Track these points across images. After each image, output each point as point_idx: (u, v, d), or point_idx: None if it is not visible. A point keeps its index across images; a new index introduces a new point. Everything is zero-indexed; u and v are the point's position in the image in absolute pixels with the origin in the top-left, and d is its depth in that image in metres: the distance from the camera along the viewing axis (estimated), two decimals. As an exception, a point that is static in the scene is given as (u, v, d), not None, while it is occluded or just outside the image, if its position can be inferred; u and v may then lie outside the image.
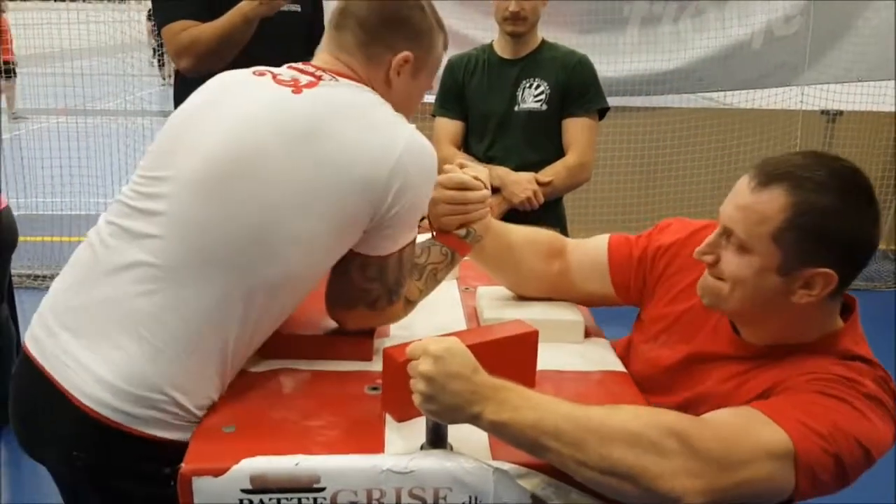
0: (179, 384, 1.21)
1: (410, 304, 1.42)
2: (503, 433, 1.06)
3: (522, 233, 1.61)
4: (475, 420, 1.06)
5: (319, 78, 1.31)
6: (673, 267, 1.44)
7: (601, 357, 1.50)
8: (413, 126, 1.31)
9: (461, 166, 1.46)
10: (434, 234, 1.47)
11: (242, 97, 1.30)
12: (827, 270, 1.14)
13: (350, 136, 1.21)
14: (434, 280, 1.44)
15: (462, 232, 1.44)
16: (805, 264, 1.15)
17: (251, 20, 2.35)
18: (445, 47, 1.44)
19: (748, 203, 1.17)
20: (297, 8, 2.57)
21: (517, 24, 2.57)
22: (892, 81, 5.45)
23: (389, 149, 1.22)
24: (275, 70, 1.35)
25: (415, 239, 1.34)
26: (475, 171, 1.45)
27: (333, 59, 1.36)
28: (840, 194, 1.14)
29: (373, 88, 1.34)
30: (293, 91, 1.27)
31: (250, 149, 1.21)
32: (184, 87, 2.58)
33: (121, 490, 1.26)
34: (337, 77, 1.32)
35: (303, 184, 1.19)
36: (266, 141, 1.21)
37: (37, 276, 4.91)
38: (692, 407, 1.19)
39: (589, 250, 1.57)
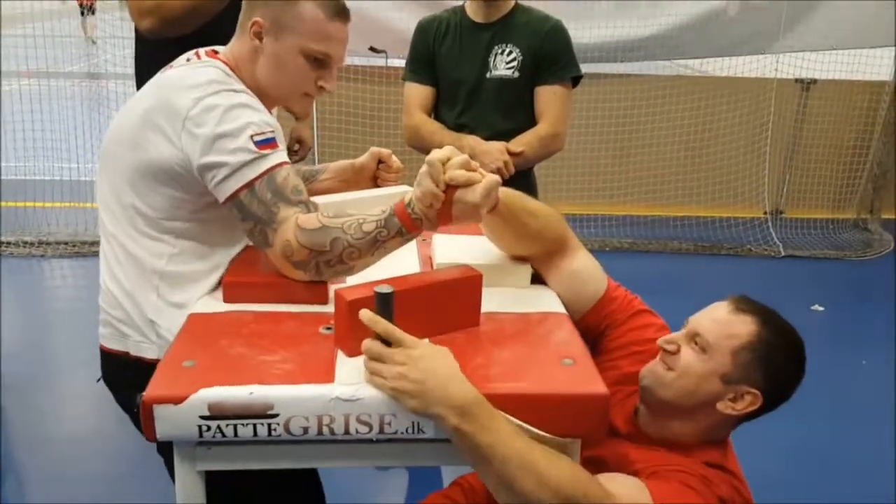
0: (115, 296, 1.55)
1: (308, 231, 1.41)
2: (460, 441, 1.16)
3: (531, 226, 1.53)
4: (439, 420, 1.16)
5: (189, 60, 1.60)
6: (622, 352, 1.58)
7: (543, 300, 1.55)
8: (218, 89, 1.47)
9: (470, 168, 1.38)
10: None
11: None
12: (758, 394, 1.39)
13: (159, 93, 1.51)
14: (360, 229, 1.41)
15: (406, 198, 1.41)
16: (744, 382, 1.38)
17: None
18: (329, 12, 1.55)
19: (725, 320, 1.42)
20: None
21: (489, -13, 2.51)
22: (866, 50, 5.47)
23: (180, 107, 1.44)
24: (191, 53, 1.63)
25: (266, 172, 1.44)
26: (458, 176, 1.35)
27: (231, 41, 1.64)
28: (793, 345, 1.42)
29: (238, 62, 1.59)
30: (165, 70, 1.61)
31: (124, 110, 1.58)
32: (144, 50, 2.49)
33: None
34: (207, 57, 1.59)
35: (132, 129, 1.51)
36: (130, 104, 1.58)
37: (0, 243, 4.82)
38: (588, 465, 1.29)
39: (587, 278, 1.59)
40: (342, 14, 1.58)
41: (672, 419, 1.44)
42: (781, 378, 1.41)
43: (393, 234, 1.41)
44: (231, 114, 1.44)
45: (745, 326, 1.40)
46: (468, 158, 1.38)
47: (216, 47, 1.65)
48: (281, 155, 1.47)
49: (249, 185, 1.43)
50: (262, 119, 1.47)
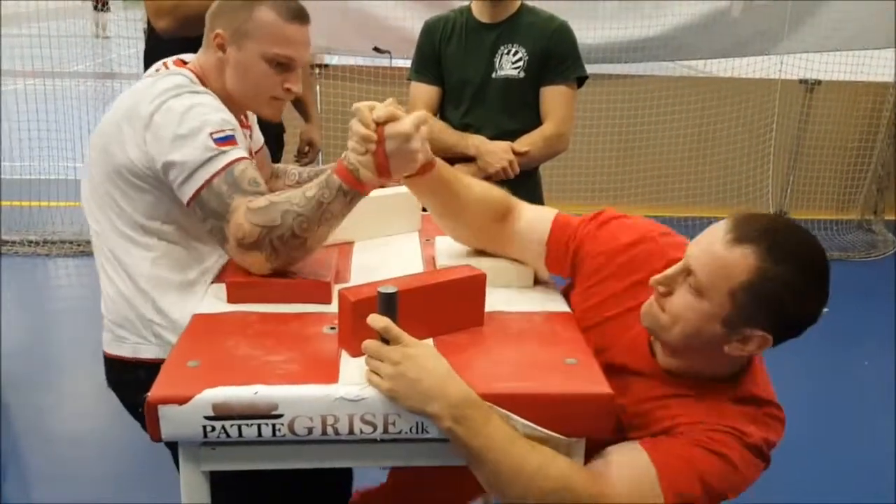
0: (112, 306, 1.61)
1: (257, 210, 1.44)
2: (453, 440, 1.18)
3: (475, 189, 1.58)
4: (434, 418, 1.17)
5: (158, 70, 1.66)
6: (604, 272, 1.49)
7: (547, 299, 1.57)
8: (180, 92, 1.52)
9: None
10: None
11: None
12: (766, 335, 1.22)
13: (128, 101, 1.57)
14: (303, 197, 1.43)
15: (343, 154, 1.44)
16: (749, 324, 1.22)
17: None
18: (286, 15, 1.60)
19: (719, 254, 1.21)
20: None
21: (494, -13, 2.51)
22: (870, 51, 5.46)
23: (144, 111, 1.50)
24: (160, 64, 1.69)
25: (224, 168, 1.47)
26: (384, 112, 1.39)
27: (198, 54, 1.70)
28: (803, 271, 1.20)
29: (205, 72, 1.65)
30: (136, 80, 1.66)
31: (105, 116, 1.63)
32: (155, 47, 2.50)
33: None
34: (174, 66, 1.66)
35: (103, 136, 1.58)
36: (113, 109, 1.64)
37: (4, 242, 4.83)
38: None
39: (533, 224, 1.58)
40: (300, 17, 1.63)
41: (686, 356, 1.31)
42: (794, 313, 1.21)
43: (335, 194, 1.42)
44: (191, 113, 1.49)
45: (742, 262, 1.19)
46: (392, 107, 1.40)
47: (184, 57, 1.71)
48: (239, 151, 1.51)
49: (209, 182, 1.46)
50: (220, 117, 1.51)
